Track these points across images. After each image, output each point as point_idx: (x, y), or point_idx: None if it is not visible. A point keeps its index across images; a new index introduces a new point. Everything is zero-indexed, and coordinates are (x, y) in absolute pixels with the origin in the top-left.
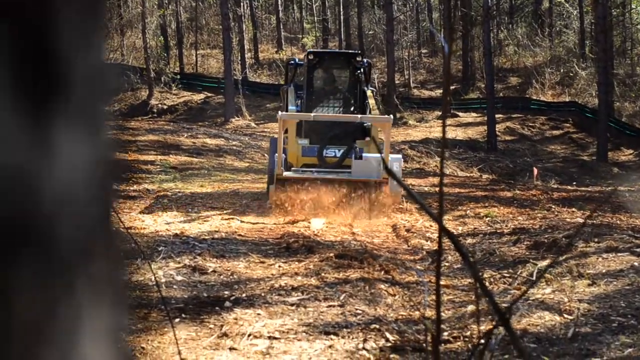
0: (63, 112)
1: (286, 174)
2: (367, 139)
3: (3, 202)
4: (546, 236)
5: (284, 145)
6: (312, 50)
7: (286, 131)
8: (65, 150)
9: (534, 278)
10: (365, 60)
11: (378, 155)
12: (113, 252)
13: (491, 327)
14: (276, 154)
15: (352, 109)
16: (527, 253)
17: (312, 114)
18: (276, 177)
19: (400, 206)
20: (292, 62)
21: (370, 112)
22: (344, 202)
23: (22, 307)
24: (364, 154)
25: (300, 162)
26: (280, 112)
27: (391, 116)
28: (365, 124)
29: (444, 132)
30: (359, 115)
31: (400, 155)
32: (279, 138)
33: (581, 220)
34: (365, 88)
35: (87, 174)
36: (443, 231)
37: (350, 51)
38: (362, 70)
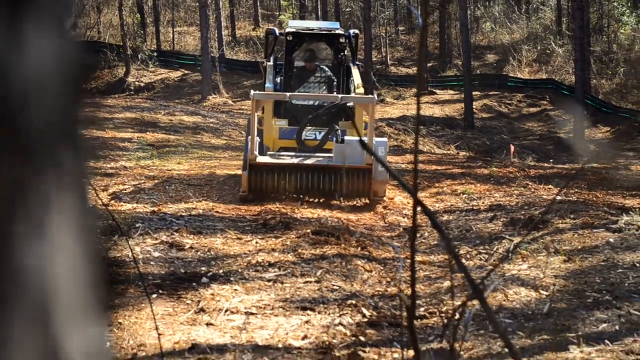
0: (33, 12)
1: (260, 159)
2: (351, 120)
3: None
4: (522, 213)
5: (259, 126)
6: (291, 24)
7: (263, 111)
8: (33, 47)
9: (509, 255)
10: (351, 31)
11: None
12: (80, 147)
13: (465, 300)
14: (250, 137)
15: (335, 88)
16: (503, 229)
17: (288, 94)
18: (249, 163)
19: (383, 196)
20: (272, 33)
21: (354, 92)
22: (324, 190)
23: None
24: (346, 137)
25: (278, 145)
26: (252, 92)
27: (375, 96)
28: (348, 104)
29: (418, 104)
30: (339, 95)
31: (385, 139)
32: (252, 120)
33: (558, 197)
34: (351, 64)
35: (54, 69)
36: (417, 204)
37: (331, 28)
38: (345, 51)
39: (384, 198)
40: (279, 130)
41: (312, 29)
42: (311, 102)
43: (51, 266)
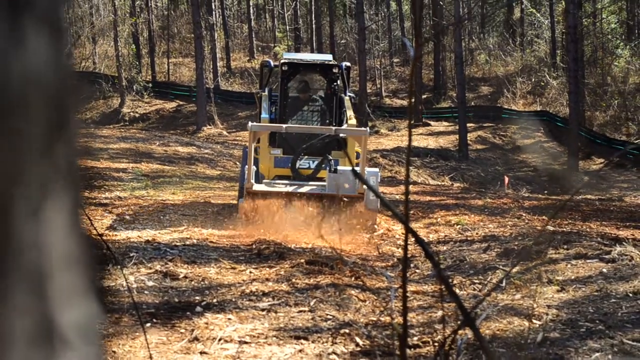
0: (31, 15)
1: (256, 187)
2: (343, 150)
3: None
4: (516, 243)
5: (255, 155)
6: (286, 56)
7: (259, 140)
8: (32, 47)
9: (503, 283)
10: (343, 64)
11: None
12: (74, 144)
13: (457, 327)
14: (247, 166)
15: (327, 119)
16: (497, 260)
17: (285, 125)
18: (246, 191)
19: (375, 226)
20: (267, 64)
21: (347, 122)
22: (316, 218)
23: None
24: (338, 167)
25: (273, 174)
26: (250, 123)
27: (367, 128)
28: (341, 135)
29: (409, 131)
30: (334, 127)
31: (377, 170)
32: (249, 150)
33: (551, 228)
34: (343, 95)
35: (51, 68)
36: (409, 232)
37: (324, 60)
38: (337, 82)
39: (377, 227)
40: (274, 159)
41: (306, 60)
42: (302, 132)
43: (47, 245)
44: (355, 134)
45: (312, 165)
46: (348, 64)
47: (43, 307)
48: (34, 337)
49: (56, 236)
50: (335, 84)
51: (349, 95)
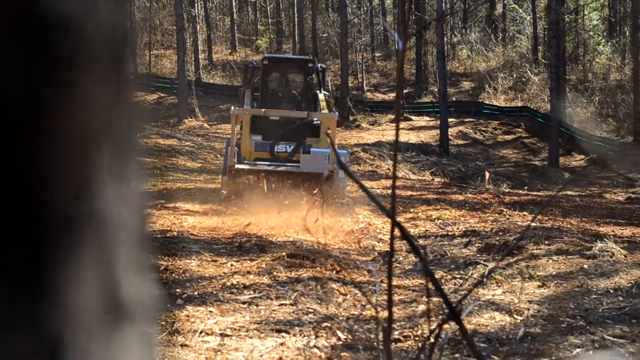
0: None
1: (238, 166)
2: (318, 137)
3: None
4: (497, 239)
5: (238, 140)
6: (267, 55)
7: (242, 127)
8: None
9: (485, 279)
10: (319, 65)
11: (326, 150)
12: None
13: (442, 321)
14: (229, 147)
15: (304, 109)
16: (478, 255)
17: (263, 110)
18: (228, 168)
19: (342, 201)
20: (251, 64)
21: (320, 111)
22: (292, 193)
23: None
24: (312, 149)
25: (253, 156)
26: (232, 107)
27: (336, 113)
28: (315, 122)
29: (397, 123)
30: (306, 112)
31: (345, 151)
32: (232, 132)
33: (532, 224)
34: (318, 92)
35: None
36: (395, 226)
37: (303, 57)
38: (313, 75)
39: (355, 218)
40: (255, 144)
41: (285, 57)
42: (280, 119)
43: (114, 215)
44: (325, 118)
45: (289, 149)
46: (323, 65)
47: (108, 279)
48: (100, 309)
49: (120, 209)
50: (310, 76)
51: (324, 93)
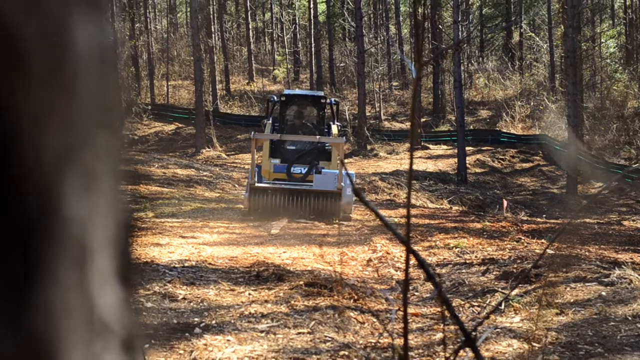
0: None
1: (258, 184)
2: (330, 161)
3: None
4: (515, 266)
5: (259, 162)
6: (285, 92)
7: (262, 149)
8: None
9: (502, 306)
10: (332, 99)
11: (335, 171)
12: (116, 130)
13: (458, 347)
14: (250, 169)
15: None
16: (496, 283)
17: (279, 135)
18: (250, 187)
19: (351, 215)
20: (272, 99)
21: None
22: (305, 208)
23: None
24: (323, 170)
25: (272, 177)
26: (252, 132)
27: (344, 138)
28: (326, 147)
29: (411, 150)
30: (317, 136)
31: (353, 172)
32: (252, 154)
33: (550, 252)
34: (331, 123)
35: (97, 47)
36: (410, 252)
37: (316, 93)
38: (325, 109)
39: (379, 251)
40: (274, 166)
41: (300, 93)
42: (298, 147)
43: (91, 224)
44: (333, 142)
45: (303, 171)
46: (337, 99)
47: (84, 284)
48: (75, 313)
49: (99, 216)
50: (323, 111)
51: (337, 124)
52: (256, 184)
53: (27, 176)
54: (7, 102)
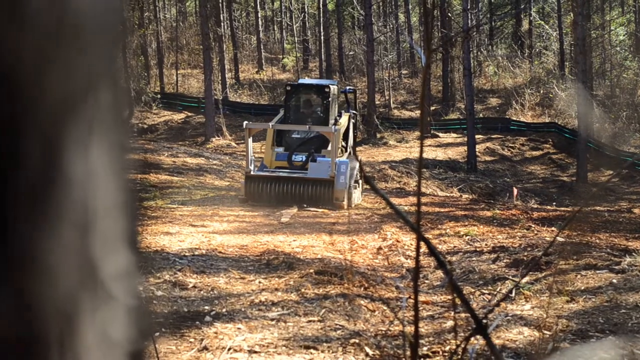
0: None
1: (253, 173)
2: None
3: None
4: (525, 254)
5: (262, 151)
6: (290, 83)
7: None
8: None
9: (513, 294)
10: (348, 87)
11: (329, 159)
12: (118, 88)
13: (469, 335)
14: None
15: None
16: (506, 270)
17: (270, 124)
18: (246, 176)
19: (342, 202)
20: (288, 87)
21: (334, 125)
22: (299, 195)
23: None
24: (318, 158)
25: (274, 165)
26: (245, 122)
27: (335, 127)
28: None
29: (422, 138)
30: (307, 126)
31: (346, 159)
32: (246, 144)
33: (560, 239)
34: (343, 111)
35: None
36: (420, 239)
37: (321, 83)
38: (329, 99)
39: (389, 240)
40: (276, 154)
41: (305, 83)
42: (301, 136)
43: (93, 186)
44: (324, 131)
45: (303, 159)
46: (352, 87)
47: (87, 248)
48: (79, 277)
49: (101, 179)
50: (327, 100)
51: (350, 113)
52: (252, 173)
53: (27, 120)
54: (6, 47)
